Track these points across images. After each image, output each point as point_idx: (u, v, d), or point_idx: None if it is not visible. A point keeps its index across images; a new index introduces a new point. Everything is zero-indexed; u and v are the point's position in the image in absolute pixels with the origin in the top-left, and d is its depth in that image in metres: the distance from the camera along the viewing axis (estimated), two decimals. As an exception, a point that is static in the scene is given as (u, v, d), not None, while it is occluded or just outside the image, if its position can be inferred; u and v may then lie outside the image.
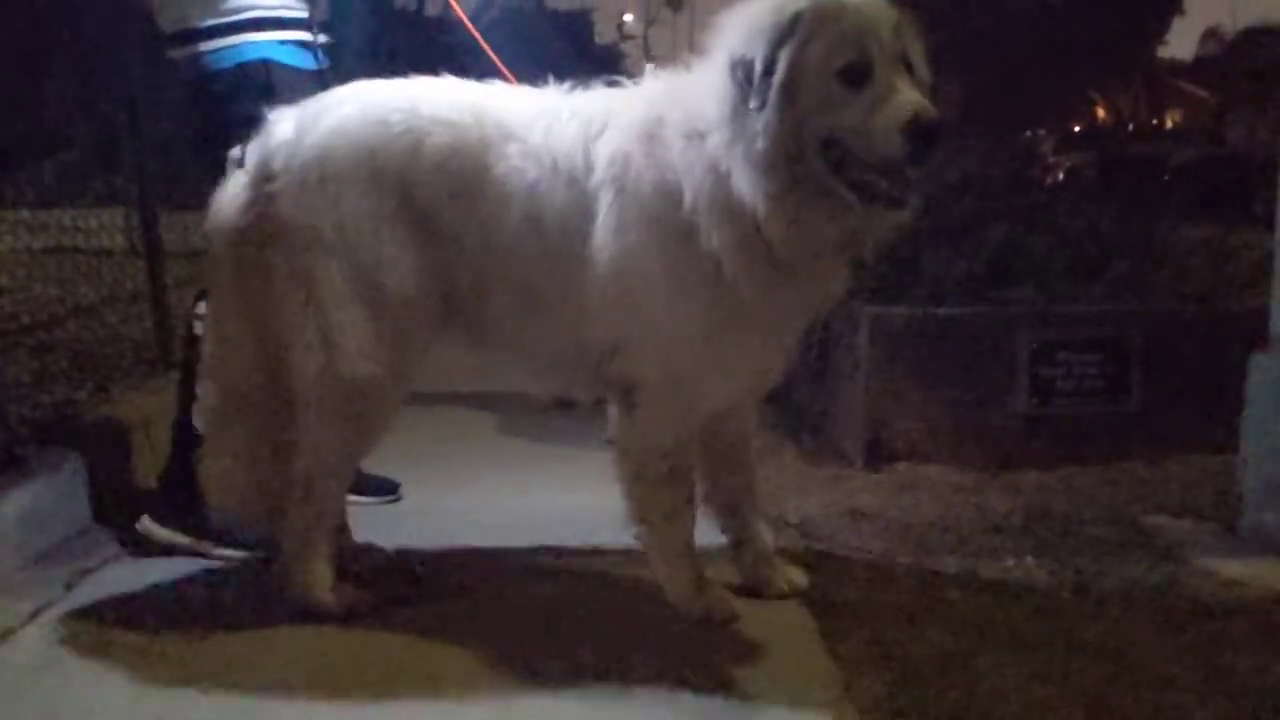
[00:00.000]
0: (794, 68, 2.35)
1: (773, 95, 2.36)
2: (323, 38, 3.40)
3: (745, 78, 2.39)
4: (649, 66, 2.78)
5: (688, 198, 2.51)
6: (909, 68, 2.40)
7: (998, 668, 2.52)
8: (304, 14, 3.35)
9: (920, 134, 2.29)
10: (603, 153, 2.59)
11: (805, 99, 2.36)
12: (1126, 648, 2.63)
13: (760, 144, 2.37)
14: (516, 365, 2.83)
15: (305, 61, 3.35)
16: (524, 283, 2.66)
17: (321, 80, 3.27)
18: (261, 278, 2.70)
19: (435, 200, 2.66)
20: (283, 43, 3.30)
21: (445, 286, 2.72)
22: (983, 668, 2.52)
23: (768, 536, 3.01)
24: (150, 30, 3.51)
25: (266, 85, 3.19)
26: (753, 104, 2.38)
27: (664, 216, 2.53)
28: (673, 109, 2.56)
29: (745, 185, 2.42)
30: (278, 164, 2.69)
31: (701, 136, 2.49)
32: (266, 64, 3.26)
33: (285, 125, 2.74)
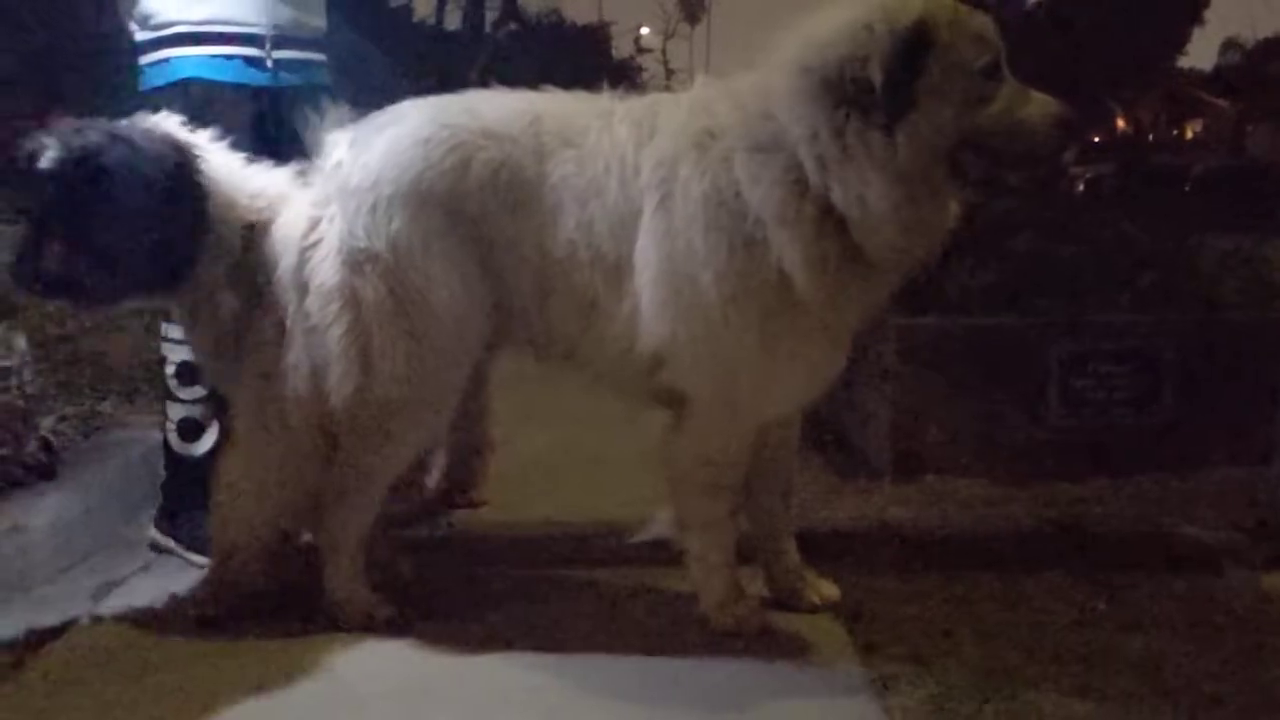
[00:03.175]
0: (946, 71, 2.41)
1: (924, 104, 2.40)
2: (280, 53, 3.23)
3: (858, 92, 2.41)
4: (700, 77, 2.79)
5: (754, 210, 2.51)
6: None
7: (1035, 682, 2.50)
8: (249, 29, 3.20)
9: (1069, 127, 2.47)
10: (650, 157, 2.61)
11: (956, 100, 2.42)
12: (1164, 661, 2.60)
13: (903, 154, 2.41)
14: (575, 378, 2.82)
15: (244, 76, 3.20)
16: (579, 290, 2.66)
17: (275, 95, 3.19)
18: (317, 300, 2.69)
19: (488, 214, 2.67)
20: (216, 57, 3.17)
21: (500, 301, 2.72)
22: (1018, 683, 2.50)
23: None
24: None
25: (190, 105, 3.08)
26: (879, 119, 2.41)
27: (717, 225, 2.53)
28: (727, 119, 2.57)
29: (868, 198, 2.44)
30: (333, 186, 2.71)
31: (766, 150, 2.50)
32: (187, 83, 3.15)
33: (340, 147, 2.75)
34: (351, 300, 2.65)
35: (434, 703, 2.45)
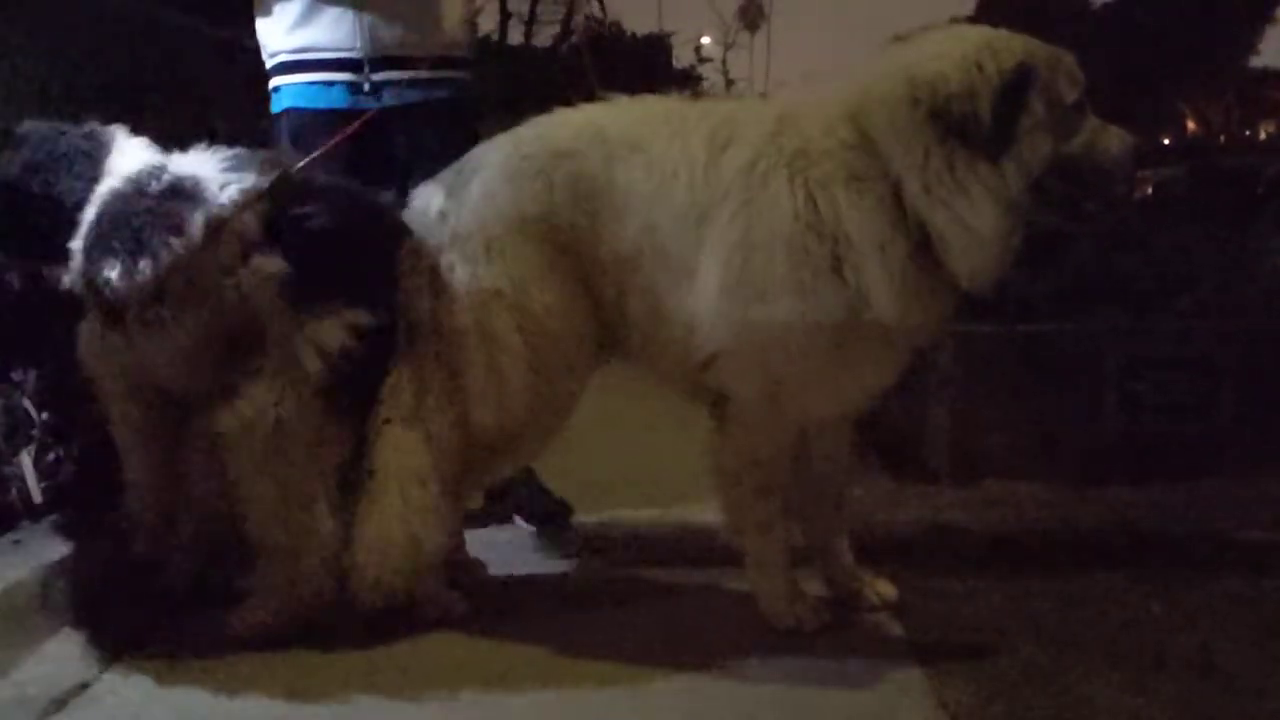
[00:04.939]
0: (1046, 107, 2.56)
1: (1027, 137, 2.55)
2: (384, 75, 3.31)
3: (966, 126, 2.53)
4: (782, 89, 2.89)
5: (848, 237, 2.60)
6: None
7: (1087, 678, 2.56)
8: (346, 54, 3.29)
9: (1140, 156, 2.65)
10: (730, 165, 2.68)
11: (1053, 133, 2.57)
12: (1217, 659, 2.64)
13: (1010, 183, 2.55)
14: (646, 379, 2.96)
15: (335, 101, 3.30)
16: (647, 291, 2.77)
17: (381, 117, 3.25)
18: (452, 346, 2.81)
19: (575, 228, 2.78)
20: (314, 84, 3.30)
21: (598, 313, 2.83)
22: (1072, 679, 2.56)
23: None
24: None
25: (292, 133, 3.28)
26: (988, 152, 2.54)
27: (804, 247, 2.61)
28: (822, 144, 2.64)
29: (976, 225, 2.56)
30: (445, 237, 2.82)
31: (864, 179, 2.60)
32: (286, 113, 3.34)
33: (435, 200, 2.86)
34: (485, 339, 2.79)
35: (505, 692, 2.57)
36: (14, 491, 3.09)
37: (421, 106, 3.29)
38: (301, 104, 3.33)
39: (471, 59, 3.53)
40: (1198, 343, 4.10)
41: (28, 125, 2.93)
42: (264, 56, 3.41)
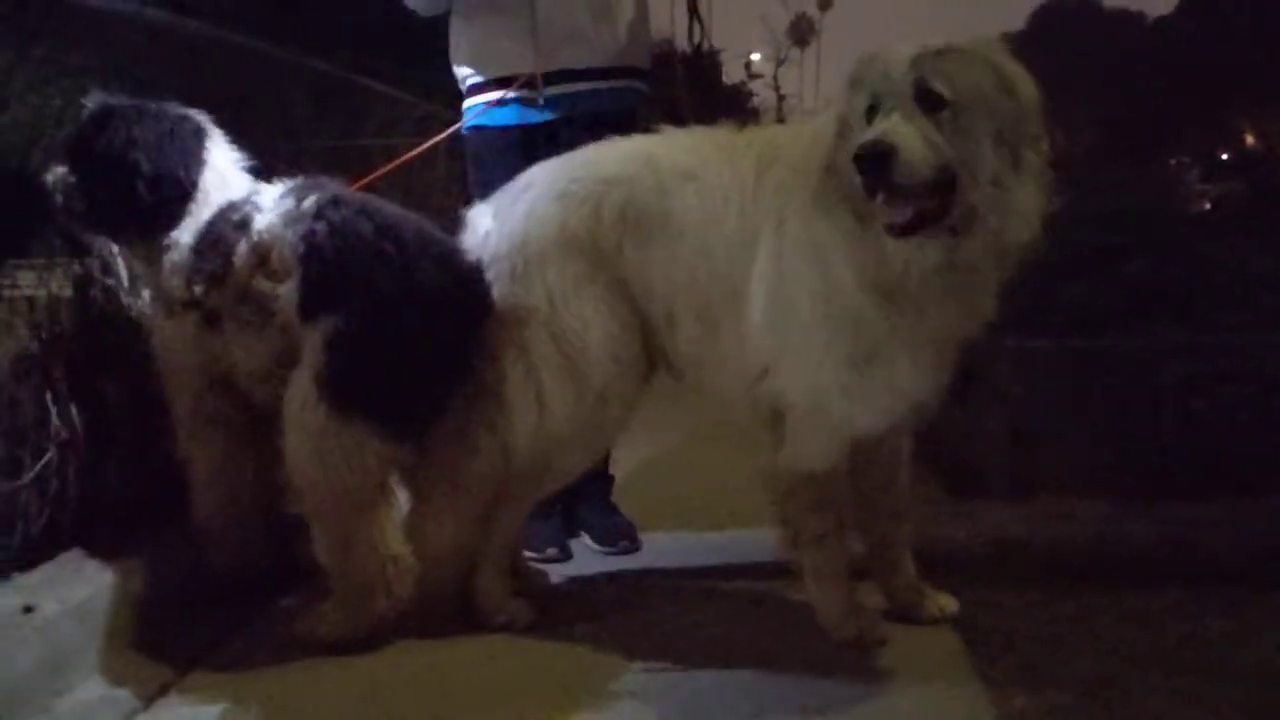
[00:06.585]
0: (842, 116, 2.61)
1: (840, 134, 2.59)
2: (558, 89, 3.41)
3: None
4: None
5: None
6: (939, 102, 2.47)
7: (1146, 692, 2.56)
8: (521, 70, 3.40)
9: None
10: (771, 185, 2.79)
11: (845, 134, 2.58)
12: (1278, 674, 2.64)
13: (845, 183, 2.58)
14: (702, 398, 3.03)
15: (509, 118, 3.45)
16: (701, 311, 2.87)
17: (554, 130, 3.36)
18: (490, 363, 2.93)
19: (622, 252, 2.89)
20: (492, 104, 3.43)
21: (643, 333, 2.93)
22: (1131, 692, 2.57)
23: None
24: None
25: (477, 152, 3.46)
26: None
27: (817, 249, 2.70)
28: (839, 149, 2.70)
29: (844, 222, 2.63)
30: (487, 256, 2.95)
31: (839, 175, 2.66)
32: (469, 132, 3.50)
33: (485, 218, 3.01)
34: (521, 353, 2.90)
35: (572, 697, 2.63)
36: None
37: (593, 116, 3.36)
38: (480, 122, 3.49)
39: (647, 69, 3.63)
40: (1256, 357, 4.08)
41: (107, 99, 3.00)
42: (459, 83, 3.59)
